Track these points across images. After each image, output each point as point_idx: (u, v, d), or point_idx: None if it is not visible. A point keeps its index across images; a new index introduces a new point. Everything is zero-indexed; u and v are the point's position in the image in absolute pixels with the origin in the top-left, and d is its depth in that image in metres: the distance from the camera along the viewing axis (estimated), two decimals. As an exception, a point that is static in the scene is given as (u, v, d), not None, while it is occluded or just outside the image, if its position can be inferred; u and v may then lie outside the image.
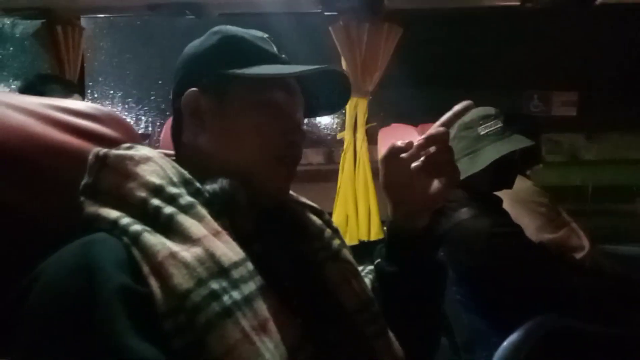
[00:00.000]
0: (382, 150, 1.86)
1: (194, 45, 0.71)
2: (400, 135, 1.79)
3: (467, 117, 1.60)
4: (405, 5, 2.40)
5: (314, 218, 0.76)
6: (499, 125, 1.53)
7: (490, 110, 1.58)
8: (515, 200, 1.66)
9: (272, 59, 0.69)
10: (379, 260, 0.76)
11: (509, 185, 1.61)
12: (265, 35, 0.72)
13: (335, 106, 0.78)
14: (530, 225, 1.70)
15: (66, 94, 1.82)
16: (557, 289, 1.46)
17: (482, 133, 1.54)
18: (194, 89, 0.67)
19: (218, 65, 0.67)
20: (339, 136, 2.62)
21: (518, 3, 2.26)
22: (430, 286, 0.74)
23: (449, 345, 1.59)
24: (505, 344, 1.31)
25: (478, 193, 1.57)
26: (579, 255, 1.85)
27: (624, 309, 1.51)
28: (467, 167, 1.55)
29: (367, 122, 2.54)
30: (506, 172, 1.57)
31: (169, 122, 0.70)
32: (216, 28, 0.71)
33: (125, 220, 0.53)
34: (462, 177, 1.54)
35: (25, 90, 1.85)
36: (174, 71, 0.72)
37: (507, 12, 2.34)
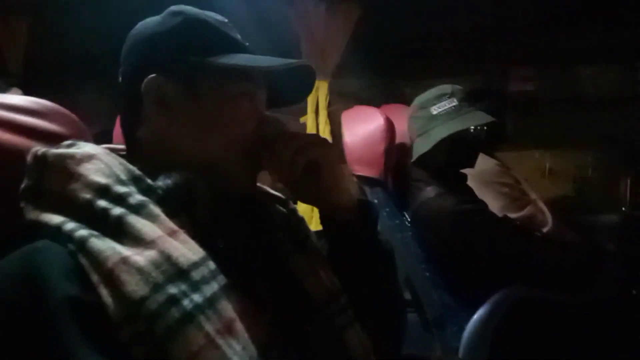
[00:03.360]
0: (345, 132, 1.85)
1: (150, 25, 0.66)
2: (363, 117, 1.78)
3: (423, 97, 1.61)
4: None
5: (279, 208, 0.74)
6: (453, 104, 1.54)
7: (445, 88, 1.59)
8: (479, 181, 1.69)
9: (239, 47, 0.67)
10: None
11: (469, 164, 1.62)
12: (226, 20, 0.69)
13: (296, 97, 0.76)
14: (494, 206, 1.73)
15: (4, 88, 1.71)
16: (521, 262, 1.50)
17: (435, 113, 1.55)
18: (158, 75, 0.62)
19: (184, 51, 0.63)
20: (301, 120, 2.59)
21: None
22: (376, 269, 0.73)
23: (420, 321, 1.61)
24: (474, 317, 1.34)
25: (440, 172, 1.58)
26: (544, 230, 1.90)
27: (585, 276, 1.57)
28: (420, 147, 1.57)
29: (329, 105, 2.52)
30: (462, 150, 1.57)
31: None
32: (175, 8, 0.67)
33: (70, 225, 0.49)
34: (414, 157, 1.57)
35: None
36: (125, 52, 0.67)
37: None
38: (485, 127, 1.57)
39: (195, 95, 0.63)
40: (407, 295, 1.56)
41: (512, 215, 1.85)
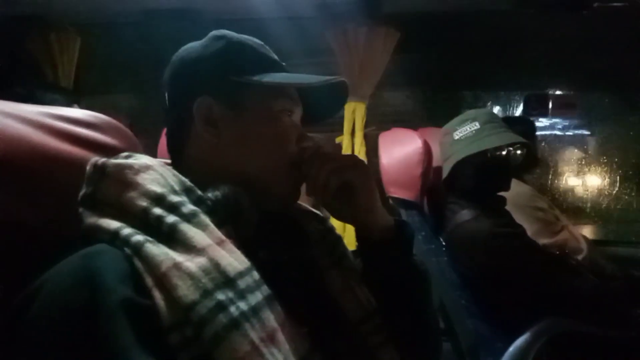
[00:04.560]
0: (382, 154, 1.85)
1: (195, 49, 0.70)
2: (400, 139, 1.77)
3: (449, 123, 1.62)
4: (403, 8, 2.40)
5: (317, 225, 0.76)
6: (474, 128, 1.53)
7: (468, 114, 1.59)
8: (513, 205, 1.65)
9: (278, 67, 0.71)
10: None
11: (501, 186, 1.59)
12: (261, 42, 0.73)
13: (327, 114, 0.79)
14: (527, 230, 1.69)
15: (66, 104, 1.79)
16: (560, 291, 1.45)
17: (457, 138, 1.56)
18: (207, 96, 0.66)
19: (229, 72, 0.67)
20: (337, 140, 2.61)
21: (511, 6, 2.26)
22: (411, 290, 0.73)
23: (453, 351, 1.57)
24: (511, 349, 1.30)
25: (475, 195, 1.56)
26: (579, 258, 1.84)
27: (626, 309, 1.50)
28: (444, 172, 1.56)
29: (365, 126, 2.53)
30: (489, 173, 1.54)
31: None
32: (218, 33, 0.71)
33: (127, 230, 0.52)
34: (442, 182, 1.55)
35: (24, 99, 1.79)
36: (170, 75, 0.70)
37: (504, 13, 2.33)
38: (514, 150, 1.54)
39: (240, 112, 0.67)
40: (441, 323, 1.53)
41: (546, 241, 1.81)
